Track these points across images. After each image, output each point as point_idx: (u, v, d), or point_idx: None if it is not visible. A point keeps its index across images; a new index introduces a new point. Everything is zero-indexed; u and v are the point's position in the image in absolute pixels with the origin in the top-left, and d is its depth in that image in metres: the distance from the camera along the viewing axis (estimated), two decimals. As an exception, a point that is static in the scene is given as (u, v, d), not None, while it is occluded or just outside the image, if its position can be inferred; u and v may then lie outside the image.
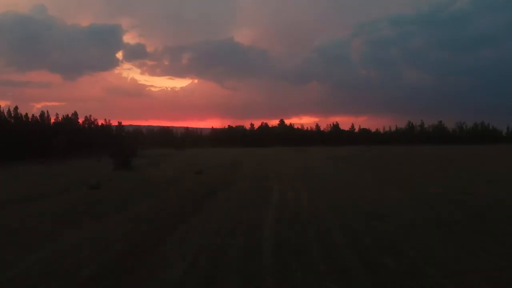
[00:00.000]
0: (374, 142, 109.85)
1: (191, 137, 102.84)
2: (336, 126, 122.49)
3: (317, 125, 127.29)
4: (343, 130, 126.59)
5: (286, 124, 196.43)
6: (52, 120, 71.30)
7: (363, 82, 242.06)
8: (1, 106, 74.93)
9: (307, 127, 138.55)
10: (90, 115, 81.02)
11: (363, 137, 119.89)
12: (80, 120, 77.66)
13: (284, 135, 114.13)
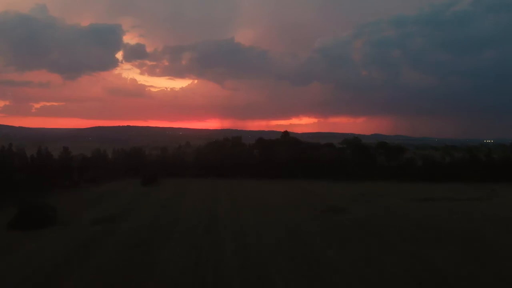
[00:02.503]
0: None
1: (171, 161, 77.17)
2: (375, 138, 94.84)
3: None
4: (384, 144, 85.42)
5: (288, 133, 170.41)
6: None
7: (364, 83, 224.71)
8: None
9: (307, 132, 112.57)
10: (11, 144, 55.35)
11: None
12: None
13: (292, 152, 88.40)
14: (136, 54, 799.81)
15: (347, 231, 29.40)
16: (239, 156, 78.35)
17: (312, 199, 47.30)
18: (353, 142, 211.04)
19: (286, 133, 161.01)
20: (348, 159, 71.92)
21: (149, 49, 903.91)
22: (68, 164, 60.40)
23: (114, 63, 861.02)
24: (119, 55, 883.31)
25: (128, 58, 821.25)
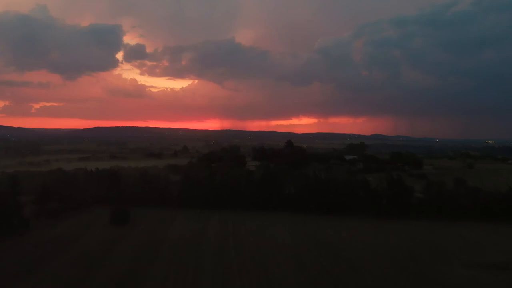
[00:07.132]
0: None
1: (153, 186, 63.40)
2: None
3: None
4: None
5: (292, 143, 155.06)
6: None
7: (364, 83, 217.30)
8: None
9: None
10: None
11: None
12: None
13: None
14: (136, 55, 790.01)
15: None
16: (235, 179, 64.63)
17: (341, 267, 33.09)
18: (358, 148, 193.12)
19: (289, 143, 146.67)
20: (379, 192, 56.73)
21: (149, 50, 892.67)
22: (16, 197, 46.66)
23: (114, 64, 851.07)
24: (119, 55, 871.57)
25: (128, 58, 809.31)
